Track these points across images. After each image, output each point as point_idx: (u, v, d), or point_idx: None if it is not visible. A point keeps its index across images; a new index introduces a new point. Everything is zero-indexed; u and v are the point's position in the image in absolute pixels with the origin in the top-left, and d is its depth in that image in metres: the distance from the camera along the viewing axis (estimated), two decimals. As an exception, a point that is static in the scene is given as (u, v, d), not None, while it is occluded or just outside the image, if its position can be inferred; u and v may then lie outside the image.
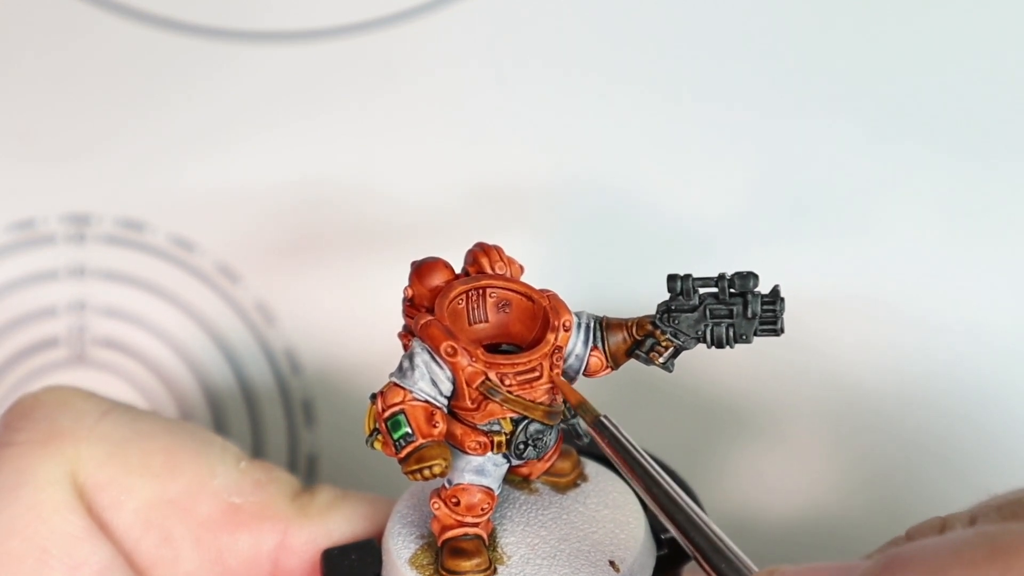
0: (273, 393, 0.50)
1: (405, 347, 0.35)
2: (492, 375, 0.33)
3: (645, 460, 0.31)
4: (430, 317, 0.33)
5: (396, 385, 0.33)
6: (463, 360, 0.33)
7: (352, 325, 0.50)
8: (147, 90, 0.50)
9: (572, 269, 0.49)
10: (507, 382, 0.33)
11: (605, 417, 0.33)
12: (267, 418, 0.50)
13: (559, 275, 0.47)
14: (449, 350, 0.33)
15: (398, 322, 0.49)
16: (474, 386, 0.33)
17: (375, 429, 0.33)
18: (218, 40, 0.50)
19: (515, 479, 0.36)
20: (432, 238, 0.50)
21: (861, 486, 0.48)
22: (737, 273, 0.33)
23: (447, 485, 0.34)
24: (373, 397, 0.34)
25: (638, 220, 0.49)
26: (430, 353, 0.33)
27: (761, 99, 0.48)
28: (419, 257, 0.50)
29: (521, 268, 0.35)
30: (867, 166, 0.48)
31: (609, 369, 0.35)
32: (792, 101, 0.48)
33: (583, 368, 0.34)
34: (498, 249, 0.35)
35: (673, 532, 0.30)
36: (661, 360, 0.34)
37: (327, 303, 0.50)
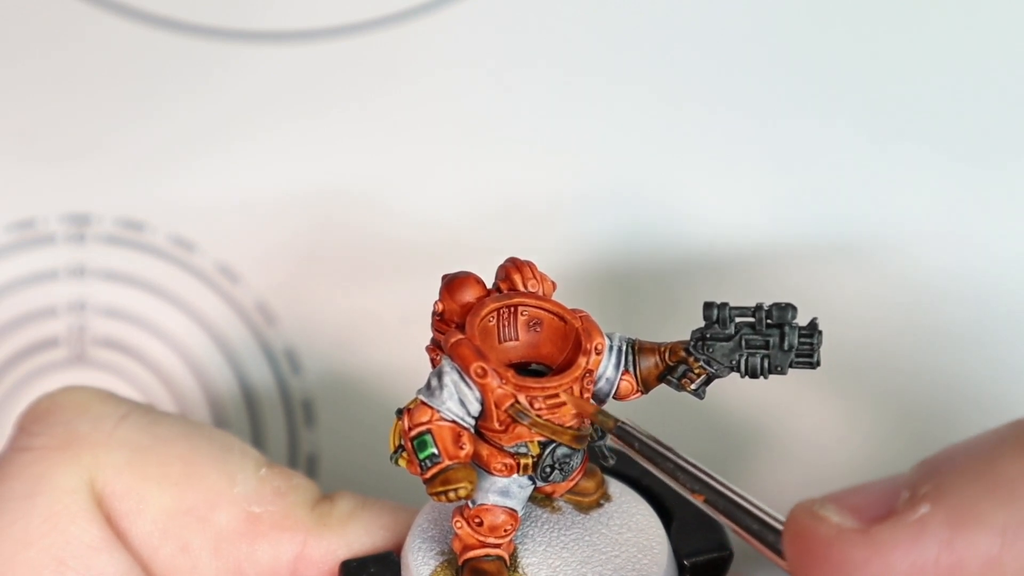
0: (273, 393, 0.50)
1: (433, 362, 0.34)
2: (522, 398, 0.32)
3: (677, 456, 0.31)
4: (460, 335, 0.33)
5: (424, 404, 0.33)
6: (493, 382, 0.32)
7: (352, 325, 0.50)
8: (147, 90, 0.50)
9: (577, 281, 0.49)
10: (536, 405, 0.32)
11: (625, 423, 0.32)
12: (267, 418, 0.50)
13: (568, 287, 0.47)
14: (479, 371, 0.32)
15: (398, 321, 0.50)
16: (503, 408, 0.32)
17: (400, 446, 0.33)
18: (218, 40, 0.50)
19: (538, 496, 0.36)
20: (433, 238, 0.50)
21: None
22: (775, 304, 0.33)
23: (470, 505, 0.34)
24: (399, 413, 0.33)
25: (656, 228, 0.49)
26: (459, 372, 0.33)
27: (775, 103, 0.49)
28: (418, 256, 0.50)
29: (553, 285, 0.35)
30: (881, 169, 0.48)
31: (639, 393, 0.34)
32: (808, 104, 0.48)
33: (613, 392, 0.34)
34: (531, 265, 0.35)
35: (728, 524, 0.30)
36: (693, 387, 0.34)
37: (327, 303, 0.50)
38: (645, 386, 0.34)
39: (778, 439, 0.48)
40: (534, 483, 0.34)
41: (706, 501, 0.30)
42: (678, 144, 0.49)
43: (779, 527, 0.29)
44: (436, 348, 0.34)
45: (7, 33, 0.50)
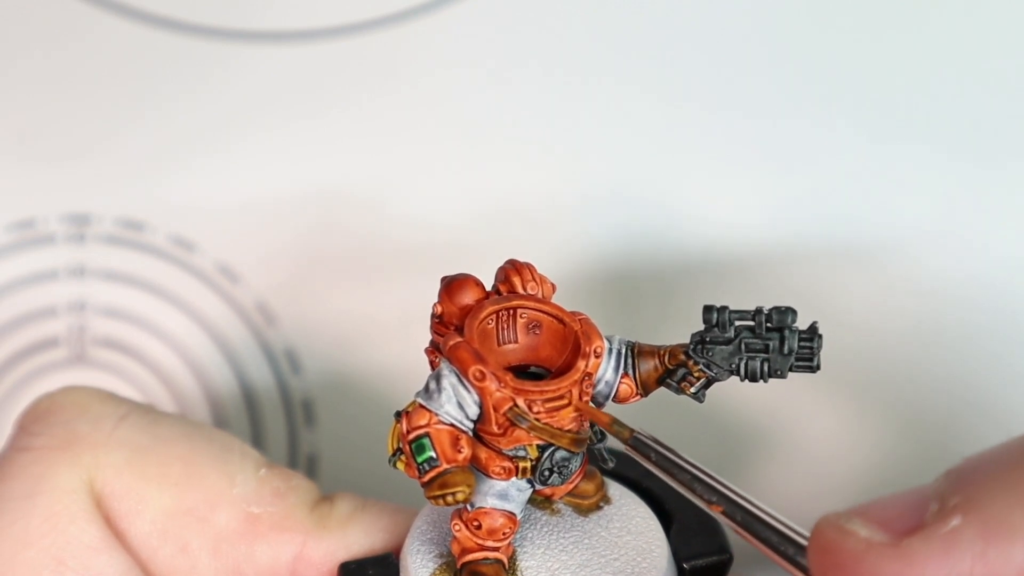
0: (273, 393, 0.50)
1: (432, 364, 0.34)
2: (520, 401, 0.32)
3: (693, 467, 0.31)
4: (459, 338, 0.33)
5: (422, 407, 0.33)
6: (491, 385, 0.32)
7: (352, 325, 0.50)
8: (147, 90, 0.50)
9: (580, 283, 0.49)
10: (535, 409, 0.32)
11: (639, 433, 0.32)
12: (267, 418, 0.50)
13: (570, 290, 0.46)
14: (477, 374, 0.32)
15: (397, 322, 0.50)
16: (501, 412, 0.32)
17: (398, 449, 0.33)
18: (218, 40, 0.50)
19: (537, 499, 0.36)
20: (432, 238, 0.50)
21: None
22: (775, 308, 0.33)
23: (469, 508, 0.34)
24: (398, 415, 0.33)
25: (656, 229, 0.49)
26: (458, 376, 0.32)
27: (771, 102, 0.49)
28: (417, 256, 0.50)
29: (553, 287, 0.35)
30: (881, 169, 0.48)
31: (639, 396, 0.34)
32: (806, 103, 0.48)
33: (612, 394, 0.34)
34: (530, 267, 0.34)
35: (747, 537, 0.30)
36: (692, 390, 0.34)
37: (327, 303, 0.50)
38: (644, 389, 0.34)
39: (779, 441, 0.48)
40: (533, 486, 0.34)
41: (724, 513, 0.30)
42: (678, 145, 0.49)
43: (800, 540, 0.29)
44: (435, 350, 0.34)
45: (7, 33, 0.50)
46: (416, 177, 0.50)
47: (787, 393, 0.47)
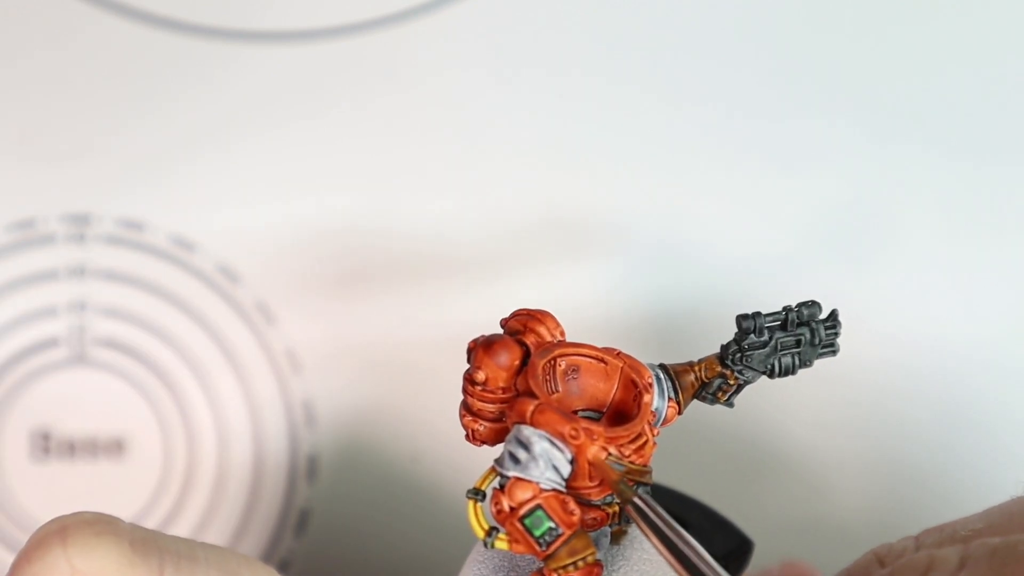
0: (273, 393, 0.50)
1: (473, 433, 0.33)
2: (613, 449, 0.31)
3: (683, 542, 0.30)
4: (536, 401, 0.32)
5: (521, 480, 0.31)
6: (587, 441, 0.31)
7: (352, 324, 0.50)
8: (147, 90, 0.50)
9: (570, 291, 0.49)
10: (627, 453, 0.32)
11: (640, 498, 0.31)
12: (267, 418, 0.50)
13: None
14: (573, 433, 0.31)
15: (397, 320, 0.50)
16: (599, 463, 0.31)
17: (493, 528, 0.32)
18: (218, 40, 0.50)
19: None
20: (432, 236, 0.50)
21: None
22: (803, 304, 0.34)
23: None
24: (476, 494, 0.32)
25: (658, 231, 0.49)
26: (549, 440, 0.31)
27: (771, 104, 0.49)
28: (417, 253, 0.50)
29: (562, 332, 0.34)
30: (881, 170, 0.48)
31: (678, 415, 0.34)
32: (809, 105, 0.49)
33: (660, 421, 0.34)
34: (549, 314, 0.34)
35: None
36: (726, 398, 0.34)
37: (327, 303, 0.50)
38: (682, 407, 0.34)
39: (779, 450, 0.48)
40: (611, 527, 0.33)
41: None
42: (680, 147, 0.49)
43: None
44: (471, 416, 0.33)
45: (7, 33, 0.50)
46: (416, 176, 0.50)
47: (784, 398, 0.47)
